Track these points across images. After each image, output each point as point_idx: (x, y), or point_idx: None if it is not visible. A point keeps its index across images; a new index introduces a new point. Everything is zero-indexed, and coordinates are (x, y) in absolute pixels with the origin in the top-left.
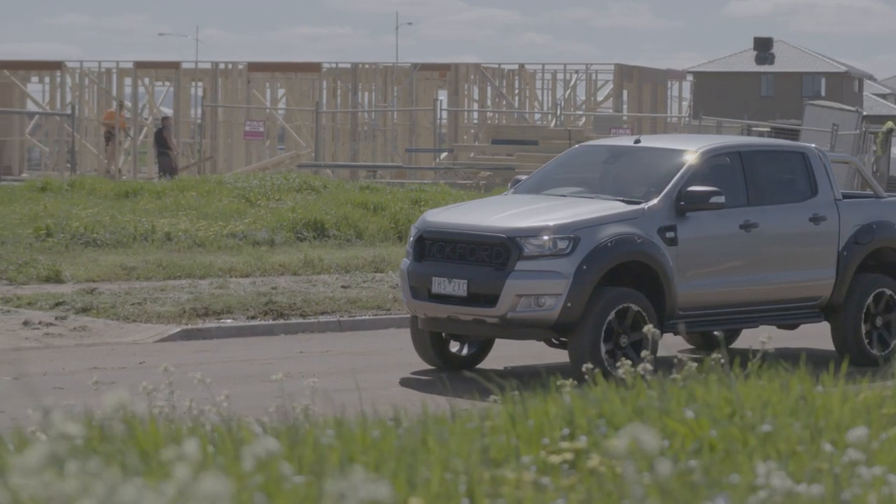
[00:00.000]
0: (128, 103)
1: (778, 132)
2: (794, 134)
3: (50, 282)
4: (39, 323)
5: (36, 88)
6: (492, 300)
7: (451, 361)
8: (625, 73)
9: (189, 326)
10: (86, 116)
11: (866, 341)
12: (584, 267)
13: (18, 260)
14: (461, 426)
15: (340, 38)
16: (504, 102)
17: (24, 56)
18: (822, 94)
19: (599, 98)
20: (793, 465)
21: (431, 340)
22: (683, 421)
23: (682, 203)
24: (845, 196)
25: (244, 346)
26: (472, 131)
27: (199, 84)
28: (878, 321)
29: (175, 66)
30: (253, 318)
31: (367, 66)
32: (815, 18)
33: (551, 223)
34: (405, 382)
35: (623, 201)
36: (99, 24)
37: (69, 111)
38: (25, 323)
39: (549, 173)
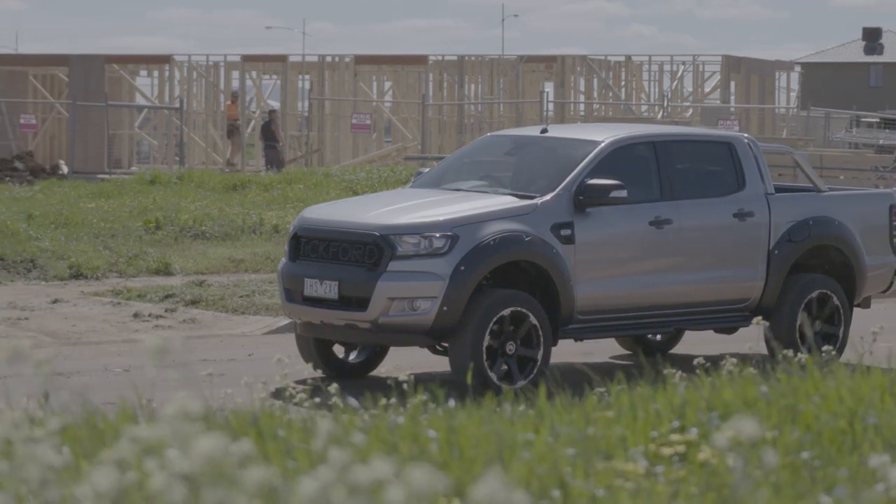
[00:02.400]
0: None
1: (887, 123)
2: None
3: (159, 274)
4: (149, 315)
5: (145, 82)
6: (363, 303)
7: (338, 369)
8: (732, 65)
9: None
10: (194, 110)
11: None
12: (462, 268)
13: (128, 252)
14: (570, 417)
15: (447, 30)
16: (611, 94)
17: (133, 50)
18: None
19: (706, 89)
20: None
21: (316, 346)
22: (794, 413)
23: (581, 198)
24: (781, 190)
25: None
26: (580, 123)
27: (307, 77)
28: (817, 325)
29: (282, 59)
30: None
31: (473, 58)
32: None
33: (427, 220)
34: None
35: (516, 196)
36: (207, 19)
37: (178, 105)
38: (136, 315)
39: (452, 166)
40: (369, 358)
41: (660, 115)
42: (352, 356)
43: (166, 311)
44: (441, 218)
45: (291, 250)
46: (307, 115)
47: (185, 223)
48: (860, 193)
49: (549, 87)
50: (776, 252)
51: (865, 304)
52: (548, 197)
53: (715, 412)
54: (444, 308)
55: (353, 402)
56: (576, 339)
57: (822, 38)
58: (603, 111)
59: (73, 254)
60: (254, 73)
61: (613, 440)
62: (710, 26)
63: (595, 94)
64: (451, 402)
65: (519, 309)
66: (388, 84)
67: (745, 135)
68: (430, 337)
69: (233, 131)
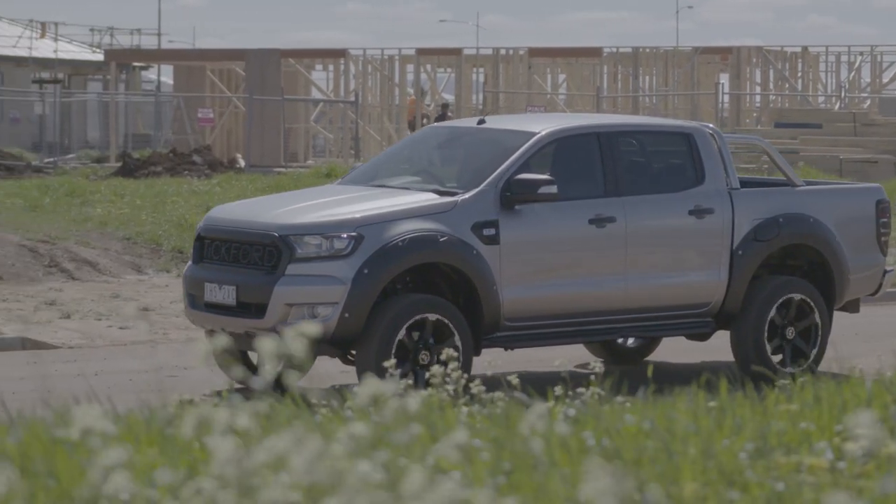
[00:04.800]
0: (410, 90)
1: None
2: None
3: None
4: None
5: (320, 76)
6: (261, 310)
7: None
8: None
9: None
10: (369, 103)
11: (777, 357)
12: (366, 271)
13: None
14: (754, 410)
15: (620, 22)
16: (787, 85)
17: (309, 45)
18: None
19: (885, 80)
20: None
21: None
22: None
23: (509, 194)
24: (751, 184)
25: None
26: (755, 115)
27: (481, 70)
28: (790, 332)
29: (457, 52)
30: None
31: (647, 50)
32: None
33: (329, 219)
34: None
35: (438, 193)
36: (381, 12)
37: (353, 98)
38: None
39: (388, 160)
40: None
41: (837, 107)
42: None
43: None
44: (343, 217)
45: (195, 252)
46: (481, 107)
47: None
48: (842, 188)
49: (724, 79)
50: (740, 252)
51: (853, 307)
52: (470, 194)
53: None
54: (346, 315)
55: (522, 396)
56: (506, 349)
57: None
58: (779, 103)
59: None
60: (428, 67)
61: (797, 434)
62: (890, 15)
63: (771, 86)
64: (640, 394)
65: (432, 315)
66: (562, 76)
67: (709, 125)
68: (333, 346)
69: (414, 125)
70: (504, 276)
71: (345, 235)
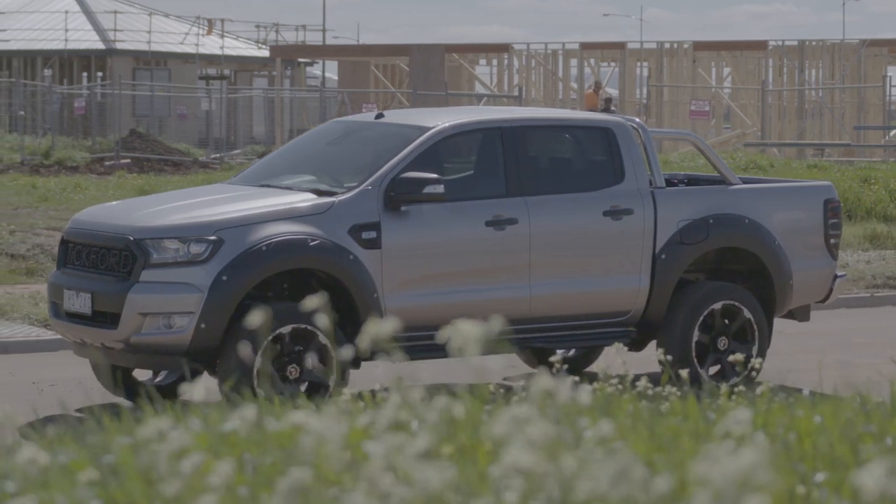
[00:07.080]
0: (574, 85)
1: None
2: None
3: None
4: None
5: (483, 71)
6: (114, 320)
7: (139, 392)
8: None
9: None
10: (532, 98)
11: (703, 368)
12: (225, 278)
13: None
14: None
15: (785, 15)
16: None
17: (472, 39)
18: None
19: None
20: None
21: (111, 366)
22: None
23: (393, 194)
24: (691, 181)
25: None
26: None
27: (645, 64)
28: (722, 342)
29: (620, 46)
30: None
31: (813, 43)
32: None
33: (187, 221)
34: None
35: (316, 192)
36: (543, 6)
37: (516, 93)
38: None
39: (281, 157)
40: (179, 380)
41: None
42: (158, 377)
43: None
44: (204, 219)
45: (59, 257)
46: (646, 102)
47: None
48: (784, 186)
49: (892, 72)
50: (663, 256)
51: (802, 315)
52: (349, 194)
53: None
54: (202, 325)
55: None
56: (392, 361)
57: None
58: None
59: None
60: (592, 61)
61: None
62: None
63: None
64: (806, 392)
65: (302, 326)
66: (726, 70)
67: (635, 119)
68: (190, 358)
69: None
70: (387, 282)
71: (202, 240)
